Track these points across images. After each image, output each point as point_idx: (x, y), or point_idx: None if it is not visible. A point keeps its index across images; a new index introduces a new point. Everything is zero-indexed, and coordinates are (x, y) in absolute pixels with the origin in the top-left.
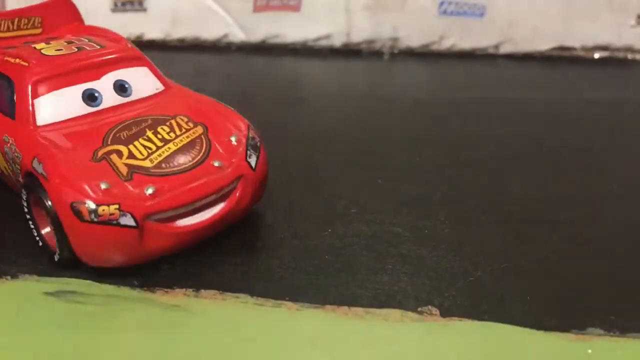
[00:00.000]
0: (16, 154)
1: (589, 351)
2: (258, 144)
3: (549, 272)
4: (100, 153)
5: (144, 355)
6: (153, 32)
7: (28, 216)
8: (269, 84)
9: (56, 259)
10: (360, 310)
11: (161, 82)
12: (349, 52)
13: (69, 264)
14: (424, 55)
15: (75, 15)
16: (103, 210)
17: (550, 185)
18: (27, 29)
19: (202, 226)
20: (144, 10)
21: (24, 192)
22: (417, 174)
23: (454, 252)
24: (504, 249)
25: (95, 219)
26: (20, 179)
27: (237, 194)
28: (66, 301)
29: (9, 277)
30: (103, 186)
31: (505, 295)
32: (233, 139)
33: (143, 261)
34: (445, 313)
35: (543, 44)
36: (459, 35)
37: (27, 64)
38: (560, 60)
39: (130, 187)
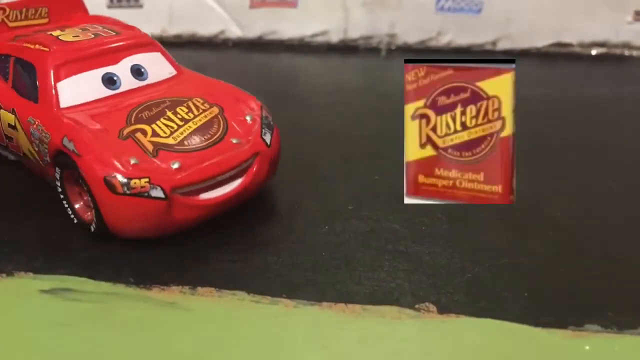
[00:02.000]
0: (44, 134)
1: (587, 348)
2: (271, 122)
3: (546, 269)
4: (125, 132)
5: (140, 353)
6: (149, 29)
7: (61, 194)
8: (266, 80)
9: (92, 230)
10: (357, 307)
11: (173, 67)
12: (346, 48)
13: (104, 236)
14: (421, 51)
15: (79, 5)
16: (135, 183)
17: (548, 181)
18: (34, 19)
19: (224, 199)
20: (140, 6)
21: (57, 169)
22: None
23: (451, 249)
24: (501, 246)
25: (128, 192)
26: (48, 159)
27: (254, 169)
28: (62, 299)
29: (4, 275)
30: (132, 161)
31: (503, 292)
32: (248, 118)
33: (170, 232)
34: (443, 310)
35: (540, 41)
36: (456, 31)
37: (47, 49)
38: (558, 56)
39: (157, 162)
